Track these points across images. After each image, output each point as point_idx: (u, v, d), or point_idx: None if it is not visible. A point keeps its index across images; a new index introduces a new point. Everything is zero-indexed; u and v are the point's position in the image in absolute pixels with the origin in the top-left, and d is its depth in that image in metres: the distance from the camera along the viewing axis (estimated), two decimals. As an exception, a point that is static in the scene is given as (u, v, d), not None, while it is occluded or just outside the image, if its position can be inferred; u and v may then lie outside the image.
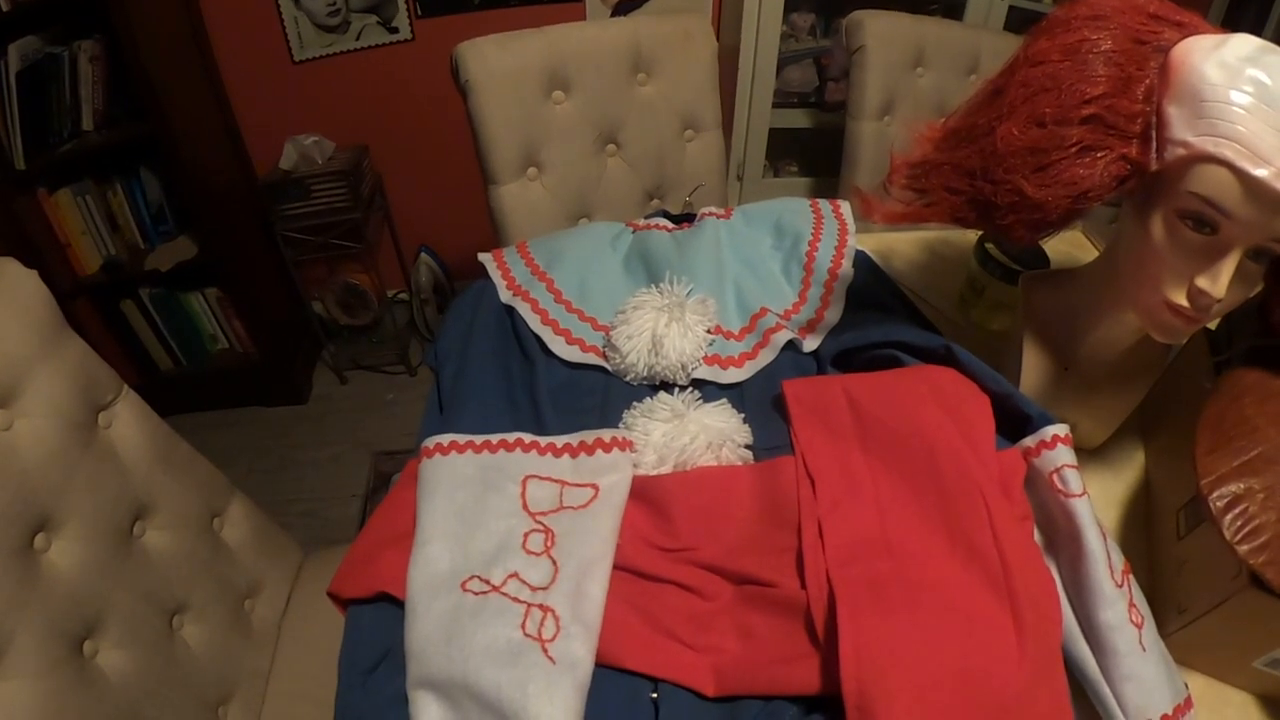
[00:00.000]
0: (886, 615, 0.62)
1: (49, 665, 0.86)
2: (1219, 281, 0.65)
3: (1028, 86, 0.70)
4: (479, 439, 0.83)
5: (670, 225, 1.18)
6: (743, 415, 0.87)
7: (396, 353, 2.85)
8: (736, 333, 1.00)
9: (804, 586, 0.67)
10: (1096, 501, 0.72)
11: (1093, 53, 0.67)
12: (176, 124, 2.16)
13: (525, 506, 0.77)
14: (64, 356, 0.97)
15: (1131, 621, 0.66)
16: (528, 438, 0.84)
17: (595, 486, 0.79)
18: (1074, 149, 0.67)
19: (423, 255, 2.85)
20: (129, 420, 1.06)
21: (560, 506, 0.77)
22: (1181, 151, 0.63)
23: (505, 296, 1.05)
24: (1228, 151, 0.59)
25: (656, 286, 1.01)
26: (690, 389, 0.93)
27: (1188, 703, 0.66)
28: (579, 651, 0.65)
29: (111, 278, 2.39)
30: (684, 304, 0.97)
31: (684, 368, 0.94)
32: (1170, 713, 0.64)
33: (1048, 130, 0.68)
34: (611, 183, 1.65)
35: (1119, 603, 0.66)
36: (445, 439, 0.83)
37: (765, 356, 0.97)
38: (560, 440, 0.84)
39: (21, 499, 0.88)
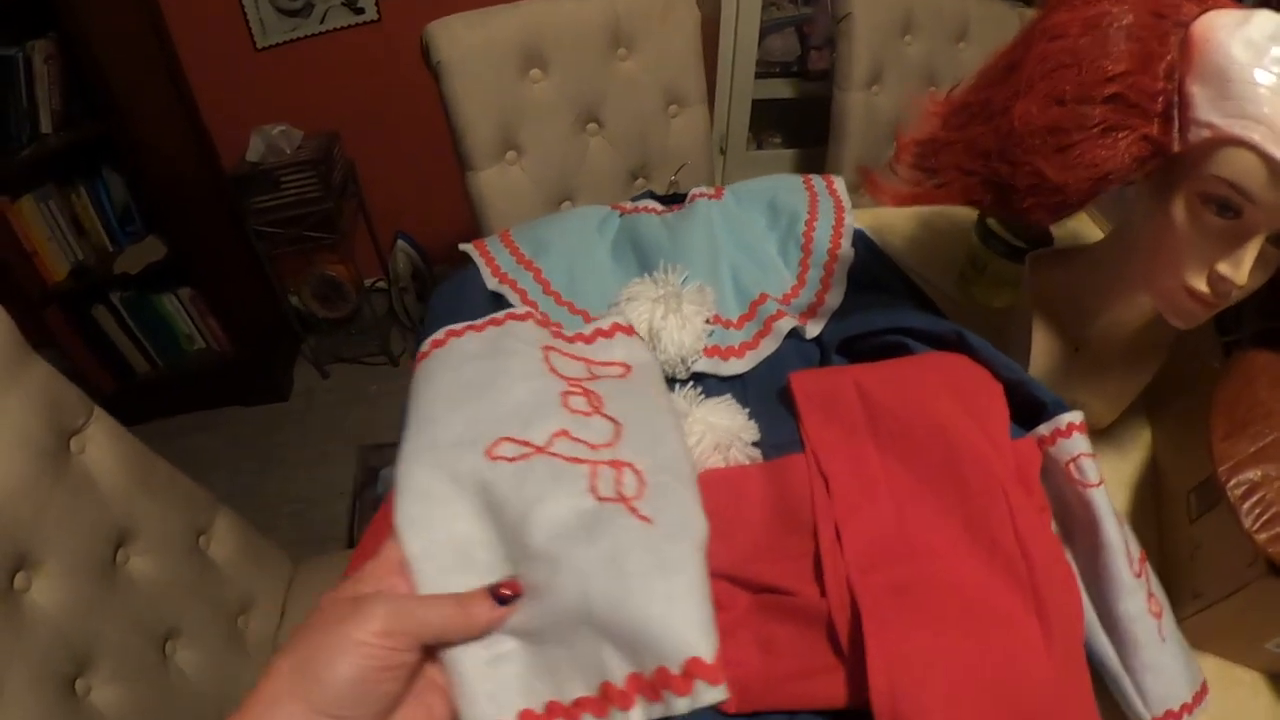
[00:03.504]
0: (913, 624, 0.59)
1: (42, 711, 0.82)
2: (1241, 268, 0.63)
3: (1046, 62, 0.66)
4: (482, 320, 0.73)
5: (659, 207, 1.13)
6: (747, 410, 0.83)
7: (377, 343, 2.80)
8: (735, 321, 0.96)
9: (824, 593, 0.64)
10: (1105, 482, 0.71)
11: (1114, 27, 0.63)
12: (138, 121, 2.10)
13: (553, 369, 0.65)
14: (27, 382, 0.92)
15: (1150, 612, 0.65)
16: (539, 315, 0.76)
17: (625, 364, 0.71)
18: (1096, 129, 0.64)
19: (399, 242, 2.79)
20: (102, 443, 1.01)
21: (593, 376, 0.66)
22: (1207, 133, 0.60)
23: (492, 284, 1.00)
24: (1255, 135, 0.57)
25: (650, 275, 0.96)
26: (691, 383, 0.88)
27: (1204, 689, 0.66)
28: (686, 509, 0.52)
29: (81, 284, 2.33)
30: (680, 294, 0.92)
31: (683, 361, 0.89)
32: (1189, 701, 0.64)
33: (1068, 109, 0.64)
34: (594, 163, 1.61)
35: (1138, 593, 0.65)
36: (441, 332, 0.71)
37: (767, 346, 0.92)
38: (570, 331, 0.77)
39: (-5, 538, 0.83)
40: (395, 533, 0.51)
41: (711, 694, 0.44)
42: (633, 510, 0.50)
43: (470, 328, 0.71)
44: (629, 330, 0.75)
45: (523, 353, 0.66)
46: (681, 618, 0.46)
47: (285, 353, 2.83)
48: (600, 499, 0.51)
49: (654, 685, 0.45)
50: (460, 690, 0.46)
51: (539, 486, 0.52)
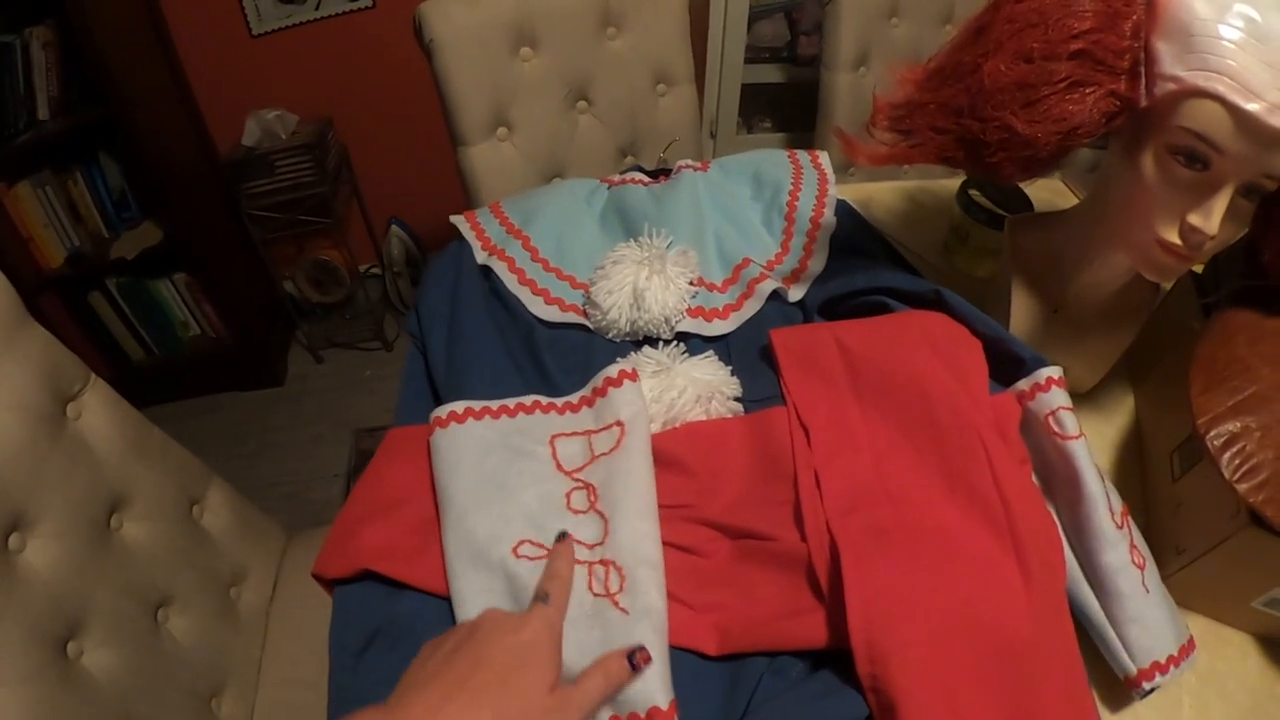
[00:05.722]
0: (891, 564, 0.61)
1: (33, 671, 0.83)
2: (1211, 219, 0.65)
3: (1014, 22, 0.69)
4: (495, 404, 0.80)
5: (646, 179, 1.15)
6: (730, 368, 0.85)
7: (371, 328, 2.80)
8: (719, 284, 0.98)
9: (804, 539, 0.66)
10: (1086, 438, 0.72)
11: None
12: (135, 106, 2.10)
13: (560, 466, 0.75)
14: (26, 347, 0.93)
15: (1134, 563, 0.67)
16: (544, 399, 0.82)
17: (620, 423, 0.76)
18: (1063, 84, 0.67)
19: (393, 227, 2.79)
20: (98, 410, 1.02)
21: (593, 457, 0.75)
22: (1172, 86, 0.63)
23: (481, 257, 1.02)
24: (1219, 86, 0.60)
25: (636, 240, 0.98)
26: (675, 343, 0.91)
27: (1191, 644, 0.67)
28: (650, 596, 0.64)
29: (77, 270, 2.32)
30: (664, 256, 0.94)
31: (667, 321, 0.91)
32: (1175, 654, 0.65)
33: (1035, 66, 0.67)
34: (583, 140, 1.63)
35: (1121, 545, 0.67)
36: (459, 406, 0.79)
37: (750, 307, 0.95)
38: (575, 397, 0.82)
39: (-9, 499, 0.84)
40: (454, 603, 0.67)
41: None
42: (615, 604, 0.63)
43: (486, 410, 0.80)
44: (634, 375, 0.80)
45: (531, 452, 0.76)
46: (646, 681, 0.59)
47: (280, 338, 2.83)
48: (595, 594, 0.64)
49: None
50: None
51: None
